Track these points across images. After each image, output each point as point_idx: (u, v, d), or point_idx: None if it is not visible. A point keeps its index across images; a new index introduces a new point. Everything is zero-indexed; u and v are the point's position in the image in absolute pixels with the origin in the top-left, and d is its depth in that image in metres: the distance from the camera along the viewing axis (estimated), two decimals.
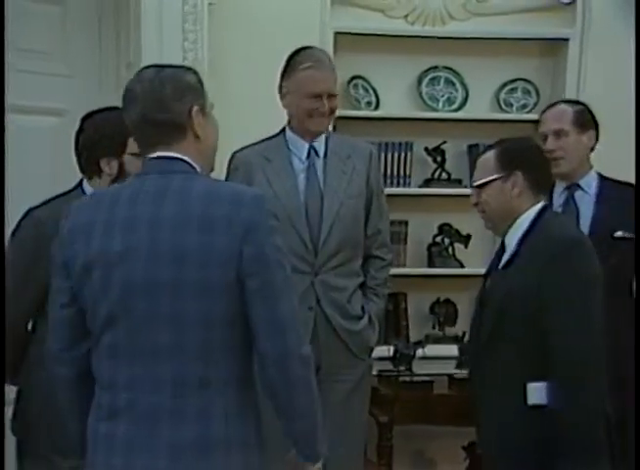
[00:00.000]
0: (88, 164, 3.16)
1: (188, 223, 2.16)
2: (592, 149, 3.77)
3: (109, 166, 3.12)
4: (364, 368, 3.74)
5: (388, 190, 4.49)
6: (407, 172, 4.71)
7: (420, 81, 4.83)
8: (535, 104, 4.88)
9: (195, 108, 2.26)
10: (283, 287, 2.21)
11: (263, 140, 3.75)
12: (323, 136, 3.71)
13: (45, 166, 4.23)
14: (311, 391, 2.26)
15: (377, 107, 4.78)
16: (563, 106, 3.80)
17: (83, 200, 2.39)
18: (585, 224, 3.67)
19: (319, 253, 3.61)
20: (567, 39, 4.77)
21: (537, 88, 4.91)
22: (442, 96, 4.81)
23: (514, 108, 4.90)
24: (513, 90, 4.93)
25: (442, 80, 4.88)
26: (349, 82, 4.73)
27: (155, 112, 2.24)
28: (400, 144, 4.71)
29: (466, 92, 4.86)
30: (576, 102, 3.97)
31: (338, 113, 4.44)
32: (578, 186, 3.76)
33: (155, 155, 2.27)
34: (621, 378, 3.32)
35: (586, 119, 3.76)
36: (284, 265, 2.22)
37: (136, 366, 2.20)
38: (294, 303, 2.24)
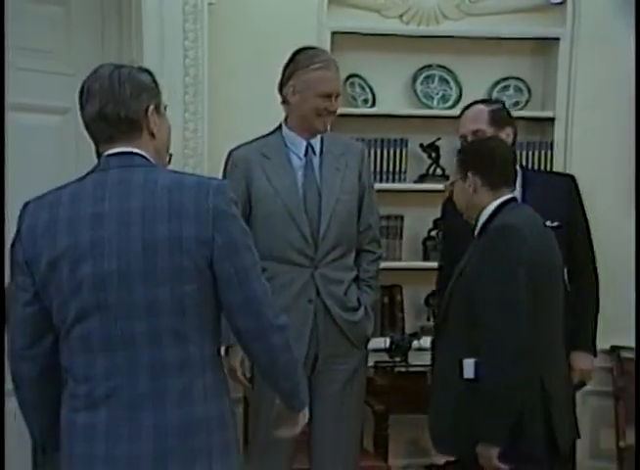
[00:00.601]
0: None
1: (156, 213, 2.19)
2: (513, 144, 3.80)
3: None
4: (361, 358, 3.78)
5: (385, 185, 4.61)
6: (403, 168, 4.73)
7: (415, 79, 4.85)
8: (527, 101, 4.93)
9: (151, 107, 2.30)
10: (254, 269, 2.27)
11: (259, 138, 3.75)
12: (319, 134, 3.74)
13: (49, 164, 4.21)
14: (291, 353, 2.34)
15: (373, 104, 4.80)
16: (479, 106, 3.83)
17: (39, 199, 2.35)
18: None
19: (319, 247, 3.63)
20: (557, 39, 4.79)
21: (529, 86, 4.93)
22: (437, 94, 4.82)
23: (506, 105, 4.61)
24: (505, 88, 4.94)
25: (437, 78, 4.89)
26: (346, 80, 4.72)
27: (112, 109, 2.26)
28: (396, 140, 4.72)
29: (460, 90, 4.88)
30: (492, 101, 4.06)
31: None
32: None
33: (114, 151, 2.28)
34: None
35: (502, 117, 3.80)
36: (251, 248, 2.28)
37: (113, 355, 2.22)
38: (263, 281, 2.30)
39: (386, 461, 4.27)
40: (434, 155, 4.76)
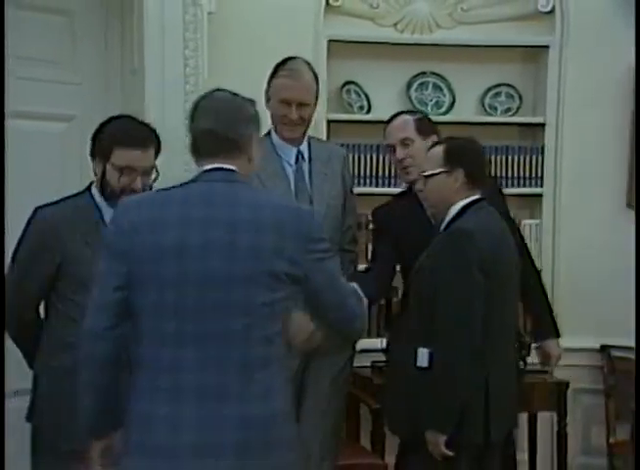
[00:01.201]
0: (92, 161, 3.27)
1: (261, 225, 2.36)
2: None
3: (98, 167, 3.21)
4: (348, 356, 3.88)
5: (380, 190, 4.64)
6: (397, 173, 4.55)
7: (409, 86, 4.85)
8: (518, 107, 4.93)
9: (255, 135, 2.50)
10: (339, 273, 2.55)
11: None
12: (306, 141, 3.76)
13: (54, 170, 4.19)
14: (366, 318, 2.69)
15: (368, 111, 4.80)
16: (404, 116, 3.83)
17: (143, 196, 2.65)
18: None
19: None
20: (547, 46, 4.81)
21: (520, 93, 4.94)
22: (431, 100, 4.82)
23: (498, 111, 4.93)
24: (497, 95, 4.94)
25: (430, 85, 4.89)
26: (342, 87, 4.75)
27: (223, 129, 2.42)
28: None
29: (453, 97, 4.88)
30: (415, 111, 4.09)
31: (331, 116, 4.62)
32: None
33: (216, 165, 2.43)
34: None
35: (426, 125, 3.81)
36: (333, 255, 2.59)
37: (205, 351, 2.33)
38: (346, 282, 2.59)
39: (382, 458, 4.25)
40: None
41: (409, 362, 3.29)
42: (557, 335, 3.95)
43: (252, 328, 2.36)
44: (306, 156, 3.75)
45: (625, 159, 4.79)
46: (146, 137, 3.25)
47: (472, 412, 3.20)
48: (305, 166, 3.74)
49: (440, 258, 3.27)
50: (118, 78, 4.42)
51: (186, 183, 2.47)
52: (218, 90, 2.57)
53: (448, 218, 3.35)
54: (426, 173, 3.40)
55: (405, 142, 3.73)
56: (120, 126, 3.25)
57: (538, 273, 4.05)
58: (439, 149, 3.39)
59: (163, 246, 2.33)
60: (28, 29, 4.11)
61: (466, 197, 3.33)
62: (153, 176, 3.26)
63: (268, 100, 3.70)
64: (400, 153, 3.71)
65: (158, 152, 3.30)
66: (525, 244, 4.01)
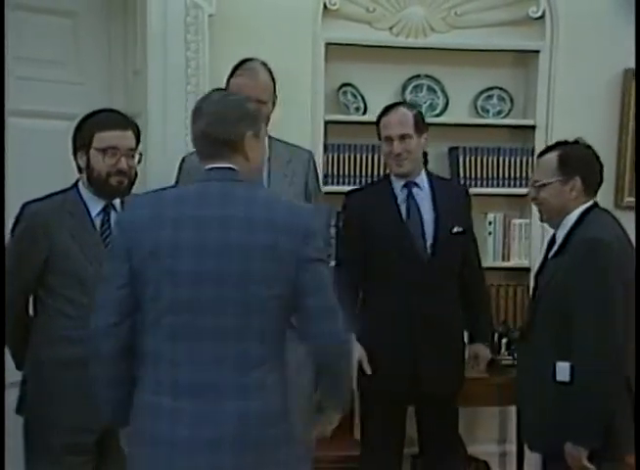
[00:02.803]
0: (74, 159, 3.29)
1: (256, 224, 2.35)
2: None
3: (82, 160, 3.24)
4: None
5: None
6: (387, 163, 4.55)
7: (404, 89, 4.85)
8: (510, 110, 4.95)
9: (248, 133, 2.46)
10: (329, 282, 2.46)
11: None
12: (265, 141, 3.68)
13: (57, 167, 4.04)
14: (349, 361, 2.61)
15: (365, 112, 4.79)
16: (403, 109, 3.86)
17: (143, 196, 2.65)
18: (429, 220, 3.81)
19: None
20: (537, 51, 4.82)
21: (511, 95, 4.95)
22: (425, 102, 4.81)
23: (490, 113, 4.93)
24: (489, 97, 4.94)
25: (425, 88, 4.88)
26: (339, 89, 4.76)
27: (215, 130, 2.43)
28: None
29: (446, 99, 4.88)
30: (410, 104, 4.10)
31: (329, 117, 4.63)
32: (415, 184, 3.87)
33: (214, 165, 2.44)
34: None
35: (422, 123, 3.86)
36: (327, 264, 2.58)
37: (201, 346, 2.32)
38: (334, 295, 2.48)
39: None
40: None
41: (545, 377, 3.15)
42: (488, 340, 4.04)
43: (247, 325, 2.34)
44: (265, 156, 3.63)
45: (613, 160, 4.79)
46: (123, 119, 3.28)
47: (622, 420, 3.06)
48: (264, 167, 3.64)
49: (581, 270, 3.08)
50: (121, 79, 4.44)
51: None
52: (215, 90, 2.60)
53: (569, 225, 3.20)
54: (539, 183, 3.26)
55: (404, 137, 3.77)
56: (98, 115, 3.29)
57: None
58: (553, 157, 3.24)
59: (160, 243, 2.33)
60: (33, 31, 4.13)
61: (582, 203, 3.20)
62: (137, 158, 3.27)
63: None
64: (398, 147, 3.75)
65: (138, 138, 3.30)
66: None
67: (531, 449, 3.42)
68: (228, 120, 2.45)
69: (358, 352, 3.81)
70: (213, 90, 2.62)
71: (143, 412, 2.38)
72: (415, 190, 3.86)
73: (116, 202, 3.26)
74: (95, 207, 3.22)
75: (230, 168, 2.44)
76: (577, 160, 3.24)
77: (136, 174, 3.29)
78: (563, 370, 3.09)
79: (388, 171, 4.00)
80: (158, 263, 2.33)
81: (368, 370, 3.80)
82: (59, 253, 3.12)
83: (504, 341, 4.50)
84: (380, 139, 3.90)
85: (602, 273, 3.04)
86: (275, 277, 2.36)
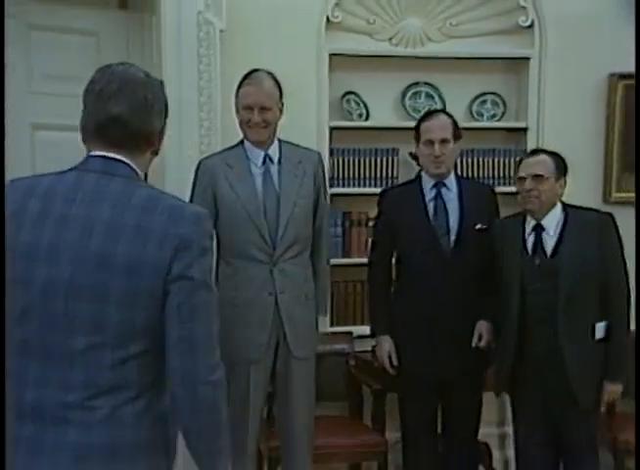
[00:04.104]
0: None
1: (122, 230, 1.92)
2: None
3: None
4: (317, 342, 3.92)
5: (376, 190, 4.46)
6: (394, 174, 4.75)
7: (404, 95, 4.88)
8: (503, 113, 4.98)
9: (162, 128, 2.09)
10: (202, 309, 1.96)
11: (225, 149, 3.84)
12: (276, 145, 3.75)
13: None
14: (217, 414, 2.01)
15: (367, 118, 4.82)
16: (444, 116, 3.99)
17: (22, 180, 2.05)
18: (454, 217, 3.94)
19: (277, 246, 3.66)
20: (528, 58, 4.86)
21: (504, 100, 4.98)
22: (423, 108, 4.76)
23: (485, 117, 4.96)
24: (483, 102, 4.97)
25: (423, 94, 4.91)
26: (343, 97, 4.79)
27: (135, 120, 2.00)
28: (388, 150, 4.74)
29: (443, 104, 4.89)
30: (449, 114, 4.10)
31: (333, 123, 4.68)
32: (444, 184, 3.98)
33: (102, 153, 2.00)
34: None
35: (458, 130, 3.99)
36: (208, 288, 1.98)
37: (47, 366, 1.94)
38: (211, 327, 1.98)
39: (383, 435, 4.31)
40: None
41: (585, 337, 3.63)
42: None
43: (100, 348, 1.92)
44: (276, 158, 3.74)
45: (600, 159, 4.85)
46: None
47: None
48: (274, 168, 3.72)
49: (608, 243, 3.64)
50: None
51: (65, 171, 2.02)
52: (119, 64, 2.08)
53: (558, 216, 3.68)
54: (541, 174, 3.63)
55: (444, 141, 3.88)
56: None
57: None
58: (547, 157, 3.67)
59: (19, 243, 1.93)
60: (58, 49, 4.18)
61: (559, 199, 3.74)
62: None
63: (237, 110, 3.73)
64: (438, 149, 3.86)
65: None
66: None
67: (578, 400, 3.66)
68: (152, 112, 2.02)
69: (388, 345, 3.99)
70: (120, 63, 2.09)
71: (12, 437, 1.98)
72: (444, 190, 3.96)
73: None
74: None
75: (116, 160, 1.99)
76: (564, 165, 3.71)
77: None
78: (600, 329, 3.65)
79: (420, 172, 4.08)
80: (15, 268, 1.92)
81: (390, 371, 3.99)
82: None
83: None
84: (417, 142, 3.97)
85: (620, 243, 3.67)
86: (139, 296, 1.92)
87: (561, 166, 3.70)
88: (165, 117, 2.09)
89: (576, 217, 3.71)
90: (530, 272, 3.68)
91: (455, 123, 3.97)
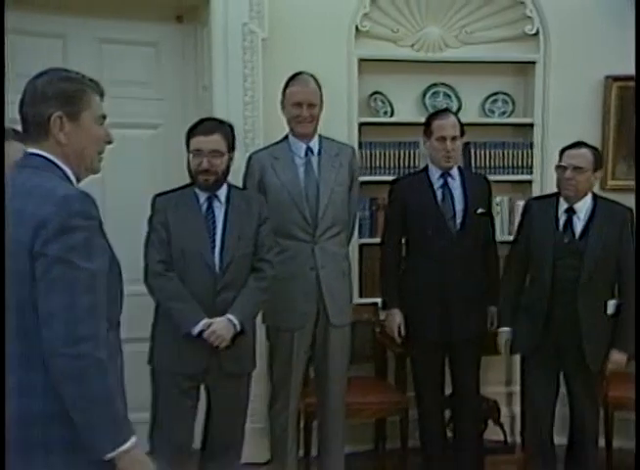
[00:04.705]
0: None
1: (15, 217, 1.99)
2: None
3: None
4: (351, 312, 4.19)
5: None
6: (416, 164, 4.87)
7: (424, 95, 5.04)
8: (512, 111, 5.12)
9: (55, 115, 2.08)
10: (60, 283, 1.94)
11: (271, 144, 4.05)
12: (316, 139, 3.97)
13: (145, 166, 4.53)
14: (84, 385, 1.96)
15: (392, 115, 4.99)
16: (453, 117, 4.23)
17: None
18: (459, 202, 4.20)
19: (318, 226, 3.89)
20: (534, 62, 5.00)
21: (513, 99, 5.11)
22: (441, 106, 4.89)
23: (495, 114, 5.12)
24: (495, 101, 5.10)
25: (441, 94, 5.05)
26: (370, 96, 4.95)
27: (25, 110, 2.11)
28: (410, 143, 4.88)
29: (459, 103, 5.06)
30: (452, 111, 4.36)
31: (362, 119, 4.87)
32: (449, 175, 4.25)
33: (30, 150, 2.12)
34: None
35: (462, 128, 4.21)
36: (68, 263, 1.95)
37: None
38: (74, 300, 1.95)
39: (404, 393, 4.55)
40: None
41: (599, 313, 3.88)
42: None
43: (9, 324, 1.99)
44: (316, 150, 3.94)
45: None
46: (211, 125, 3.49)
47: None
48: (314, 159, 3.92)
49: (626, 231, 3.85)
50: (193, 94, 4.70)
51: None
52: (51, 70, 2.16)
53: (589, 203, 3.88)
54: (580, 166, 3.81)
55: (454, 138, 4.14)
56: (196, 124, 3.54)
57: None
58: (587, 151, 3.87)
59: None
60: (124, 58, 4.52)
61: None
62: (225, 158, 3.49)
63: (283, 107, 3.95)
64: (450, 145, 4.09)
65: (228, 140, 3.49)
66: None
67: (589, 367, 3.95)
68: (36, 100, 2.07)
69: (398, 318, 4.25)
70: (52, 69, 2.16)
71: None
72: (449, 179, 4.21)
73: (221, 193, 3.57)
74: (201, 197, 3.56)
75: (34, 154, 2.08)
76: (601, 159, 3.93)
77: (226, 172, 3.51)
78: (612, 306, 3.89)
79: (426, 164, 4.33)
80: None
81: (398, 340, 4.25)
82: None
83: None
84: (426, 135, 4.19)
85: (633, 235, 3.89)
86: (20, 274, 1.97)
87: (598, 161, 3.88)
88: (60, 104, 2.08)
89: (604, 208, 3.92)
90: (560, 248, 3.91)
91: (460, 123, 4.23)
